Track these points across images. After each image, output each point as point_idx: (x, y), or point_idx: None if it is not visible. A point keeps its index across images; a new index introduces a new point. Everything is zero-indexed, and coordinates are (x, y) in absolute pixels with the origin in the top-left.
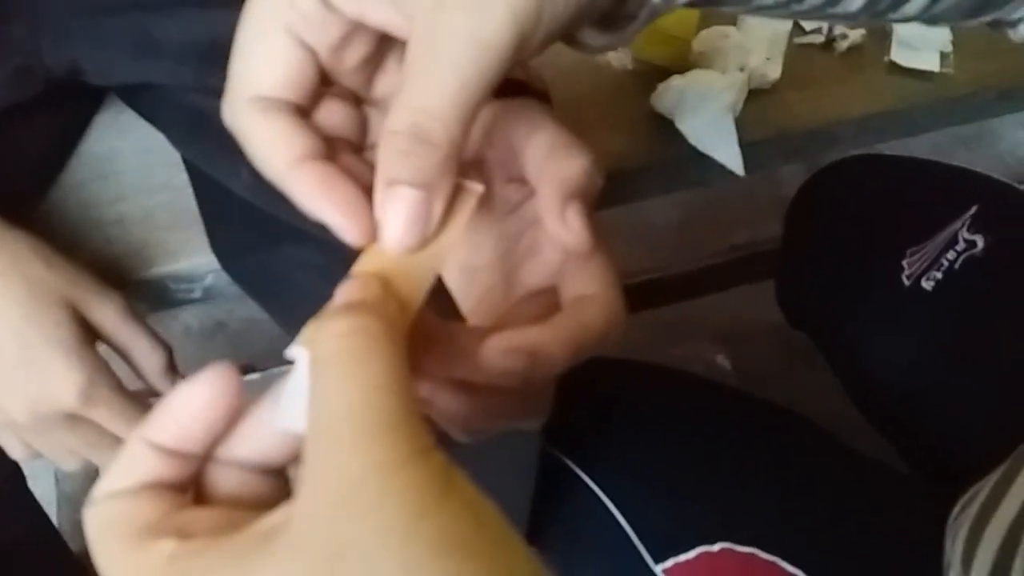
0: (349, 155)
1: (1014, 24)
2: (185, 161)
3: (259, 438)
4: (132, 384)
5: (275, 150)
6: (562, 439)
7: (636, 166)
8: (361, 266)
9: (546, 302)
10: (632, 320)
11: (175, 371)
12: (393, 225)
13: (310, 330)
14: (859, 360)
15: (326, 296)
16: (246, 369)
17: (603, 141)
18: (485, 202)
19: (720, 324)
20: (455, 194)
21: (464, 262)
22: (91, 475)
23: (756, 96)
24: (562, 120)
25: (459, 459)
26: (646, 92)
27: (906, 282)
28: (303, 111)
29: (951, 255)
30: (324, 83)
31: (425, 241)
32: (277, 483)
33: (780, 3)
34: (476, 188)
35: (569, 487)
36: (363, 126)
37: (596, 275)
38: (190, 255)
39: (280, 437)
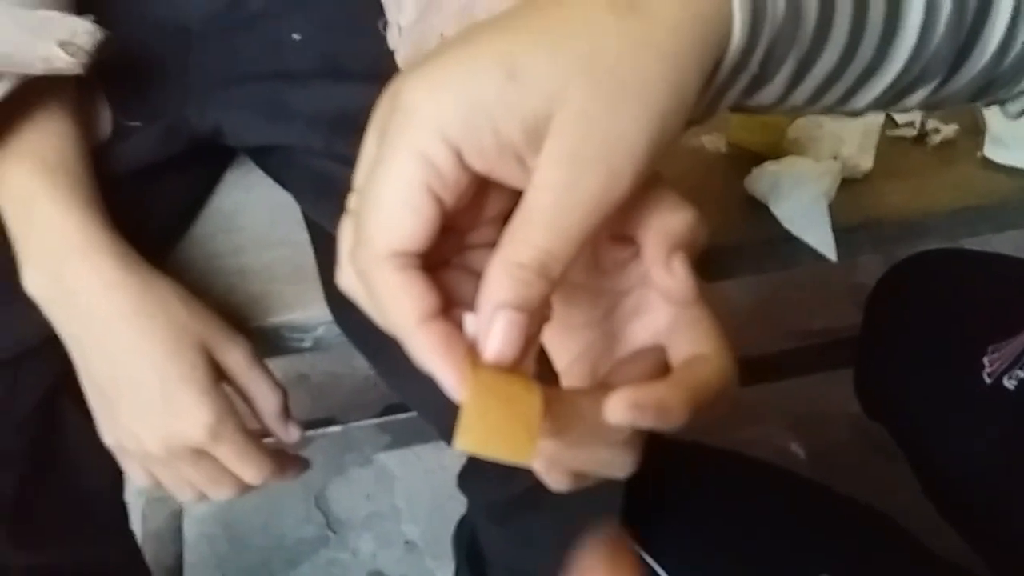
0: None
1: (1003, 103)
2: (306, 218)
3: None
4: (250, 424)
5: (403, 309)
6: (629, 520)
7: (728, 245)
8: (474, 386)
9: (653, 360)
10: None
11: (288, 414)
12: (497, 342)
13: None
14: (936, 456)
15: None
16: (326, 422)
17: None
18: (588, 260)
19: (795, 410)
20: None
21: (564, 320)
22: (175, 514)
23: (848, 185)
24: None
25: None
26: (739, 175)
27: (987, 380)
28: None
29: None
30: None
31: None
32: None
33: (806, 104)
34: None
35: None
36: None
37: (708, 334)
38: (305, 307)
39: None
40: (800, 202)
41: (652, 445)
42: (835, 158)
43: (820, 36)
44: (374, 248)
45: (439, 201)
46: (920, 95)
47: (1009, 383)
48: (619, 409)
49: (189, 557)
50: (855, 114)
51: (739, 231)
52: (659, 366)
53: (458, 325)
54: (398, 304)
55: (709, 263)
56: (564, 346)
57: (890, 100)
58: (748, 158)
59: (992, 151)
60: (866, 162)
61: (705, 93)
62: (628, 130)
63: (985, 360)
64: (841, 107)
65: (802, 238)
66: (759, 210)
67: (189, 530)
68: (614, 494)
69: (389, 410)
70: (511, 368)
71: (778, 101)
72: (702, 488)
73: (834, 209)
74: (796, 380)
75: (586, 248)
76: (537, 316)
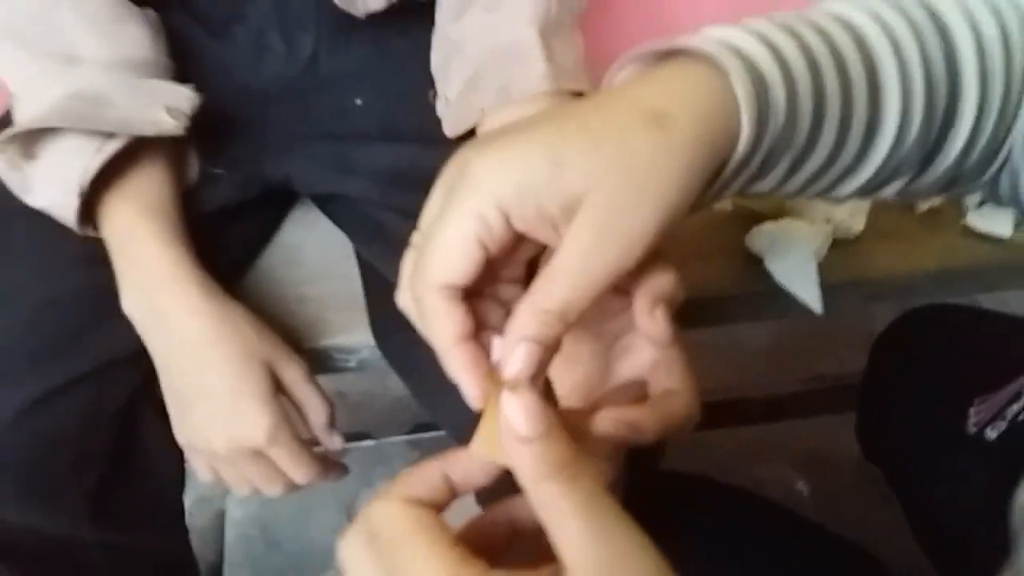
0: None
1: (965, 195)
2: (358, 256)
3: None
4: (302, 433)
5: (445, 330)
6: None
7: (728, 295)
8: (494, 401)
9: (636, 391)
10: (717, 436)
11: (334, 425)
12: (517, 367)
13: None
14: (923, 502)
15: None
16: (361, 436)
17: (702, 271)
18: (593, 308)
19: (803, 450)
20: None
21: (567, 354)
22: (218, 515)
23: (840, 245)
24: (669, 250)
25: None
26: (742, 232)
27: (971, 430)
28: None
29: (1016, 408)
30: None
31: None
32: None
33: (796, 192)
34: None
35: None
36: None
37: (681, 374)
38: (351, 332)
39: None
40: (792, 260)
41: (663, 474)
42: (828, 221)
43: (811, 141)
44: (429, 278)
45: (485, 250)
46: (894, 188)
47: (991, 433)
48: (605, 423)
49: (228, 555)
50: (839, 200)
51: (739, 283)
52: (640, 396)
53: (485, 346)
54: (441, 325)
55: (712, 310)
56: (566, 375)
57: (869, 191)
58: (751, 218)
59: (974, 220)
60: (858, 225)
61: (711, 188)
62: (644, 217)
63: (971, 411)
64: (826, 195)
65: (792, 292)
66: (758, 265)
67: (229, 531)
68: None
69: (419, 428)
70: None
71: (772, 191)
72: (700, 514)
73: (826, 267)
74: (806, 421)
75: (594, 302)
76: (551, 349)
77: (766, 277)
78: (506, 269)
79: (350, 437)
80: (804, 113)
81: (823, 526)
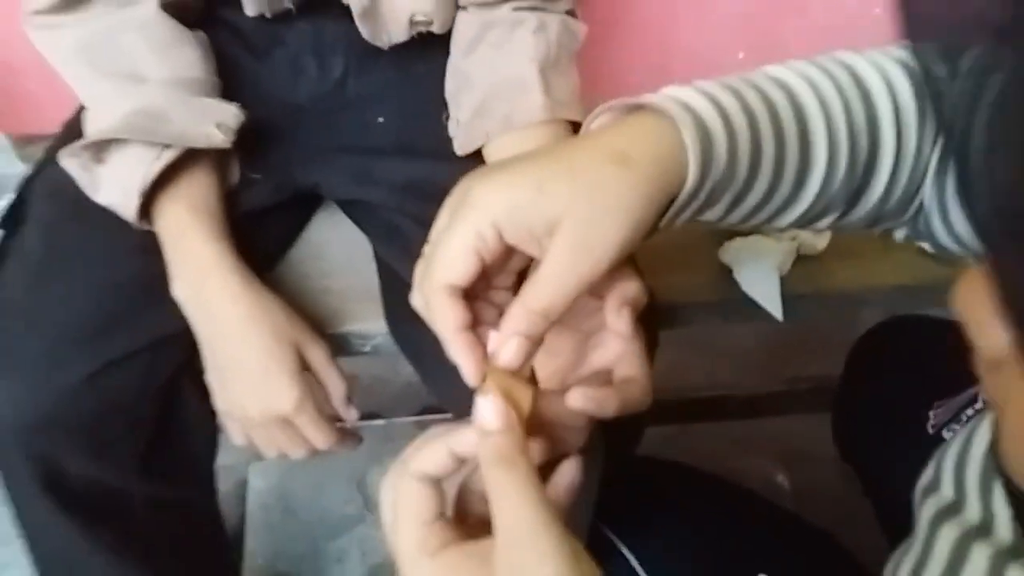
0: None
1: (891, 231)
2: (375, 254)
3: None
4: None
5: (448, 321)
6: (612, 518)
7: (702, 301)
8: (489, 381)
9: (604, 377)
10: (701, 430)
11: (351, 401)
12: (509, 355)
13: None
14: (887, 498)
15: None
16: (372, 416)
17: (680, 280)
18: (571, 308)
19: (785, 447)
20: None
21: (548, 347)
22: (240, 483)
23: (804, 260)
24: (651, 261)
25: None
26: (716, 246)
27: (930, 431)
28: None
29: (970, 411)
30: None
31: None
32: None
33: (740, 222)
34: None
35: (609, 557)
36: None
37: (639, 366)
38: (367, 320)
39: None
40: (757, 271)
41: (644, 460)
42: (794, 239)
43: (749, 181)
44: (435, 280)
45: (481, 259)
46: (826, 222)
47: (947, 434)
48: (576, 397)
49: (248, 520)
50: (781, 229)
51: (711, 291)
52: (606, 381)
53: (481, 337)
54: (444, 317)
55: (688, 313)
56: (548, 363)
57: (804, 223)
58: (725, 234)
59: None
60: (822, 243)
61: (665, 215)
62: (610, 235)
63: (931, 414)
64: (767, 225)
65: (755, 300)
66: (729, 275)
67: (251, 499)
68: (590, 493)
69: (426, 411)
70: (515, 372)
71: (719, 220)
72: (679, 497)
73: (790, 280)
74: (789, 419)
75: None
76: (536, 342)
77: (736, 286)
78: (499, 278)
79: (363, 417)
80: (742, 157)
81: (790, 511)
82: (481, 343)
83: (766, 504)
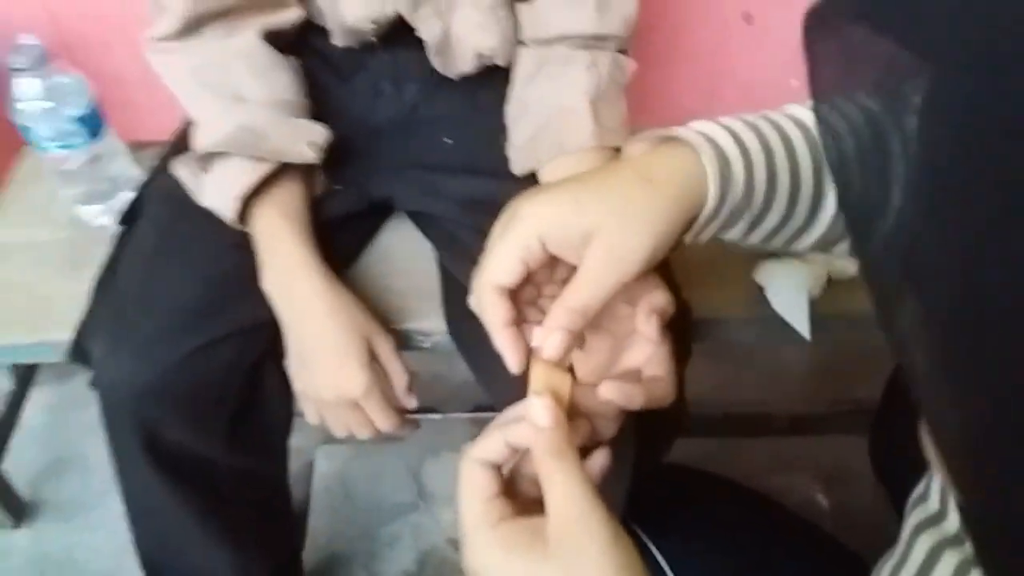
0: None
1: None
2: (438, 260)
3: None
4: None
5: (495, 316)
6: (645, 519)
7: (735, 317)
8: (535, 378)
9: (634, 376)
10: (744, 445)
11: (411, 391)
12: (552, 348)
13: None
14: None
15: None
16: (430, 410)
17: (715, 296)
18: (607, 313)
19: (827, 466)
20: None
21: (587, 347)
22: (307, 465)
23: (837, 285)
24: (689, 276)
25: None
26: (750, 266)
27: None
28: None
29: None
30: None
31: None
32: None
33: (760, 244)
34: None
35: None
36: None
37: (664, 366)
38: (428, 318)
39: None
40: (787, 292)
41: (680, 468)
42: (825, 262)
43: (766, 206)
44: (485, 280)
45: (526, 264)
46: (844, 247)
47: None
48: (608, 388)
49: (312, 500)
50: (799, 253)
51: (744, 308)
52: (636, 379)
53: (525, 333)
54: (493, 312)
55: (720, 329)
56: (586, 362)
57: (823, 247)
58: (762, 255)
59: None
60: (852, 268)
61: (689, 231)
62: (637, 244)
63: None
64: (789, 247)
65: (785, 319)
66: (761, 294)
67: (316, 481)
68: (621, 484)
69: (479, 408)
70: (555, 365)
71: (740, 240)
72: (713, 507)
73: (822, 302)
74: (831, 438)
75: (606, 304)
76: (575, 337)
77: (767, 304)
78: (548, 287)
79: (420, 410)
80: (758, 186)
81: (825, 531)
82: (524, 338)
83: (801, 521)
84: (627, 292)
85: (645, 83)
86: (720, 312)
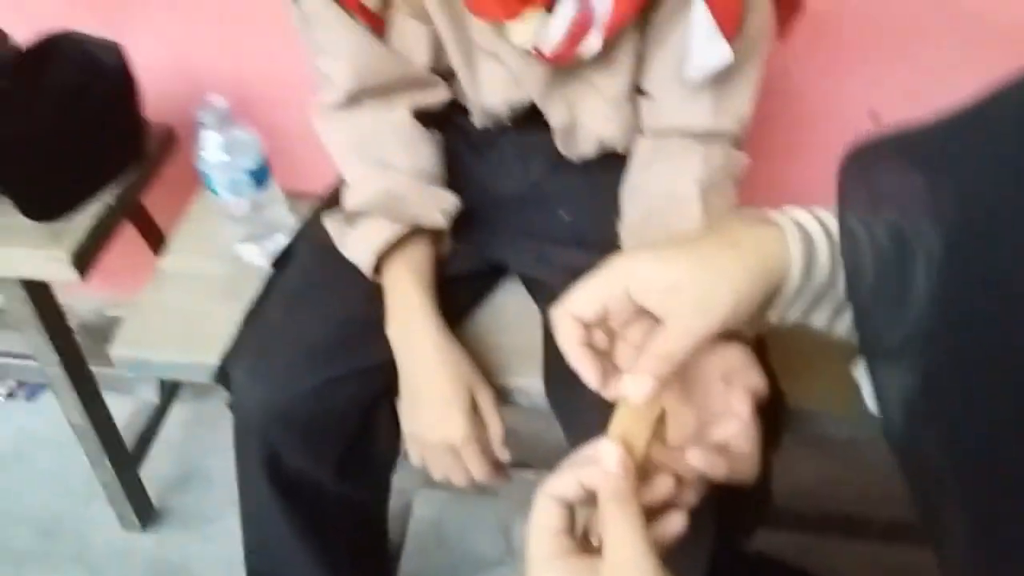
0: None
1: None
2: (543, 323)
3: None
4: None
5: (572, 336)
6: None
7: (832, 413)
8: (615, 422)
9: (720, 449)
10: (839, 547)
11: (505, 443)
12: (639, 392)
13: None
14: None
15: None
16: (524, 466)
17: (812, 388)
18: (701, 389)
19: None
20: None
21: (680, 419)
22: (406, 506)
23: None
24: (786, 365)
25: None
26: (849, 361)
27: None
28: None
29: None
30: None
31: (650, 401)
32: None
33: (847, 334)
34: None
35: None
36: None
37: (750, 444)
38: (528, 377)
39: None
40: None
41: (765, 558)
42: None
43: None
44: (564, 308)
45: (605, 306)
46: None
47: None
48: (695, 453)
49: (407, 540)
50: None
51: (839, 403)
52: (722, 451)
53: (601, 363)
54: (568, 335)
55: (812, 420)
56: (678, 431)
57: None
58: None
59: None
60: None
61: (773, 307)
62: (722, 299)
63: None
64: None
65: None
66: (858, 390)
67: (412, 522)
68: (697, 561)
69: None
70: (641, 416)
71: (825, 329)
72: None
73: None
74: (921, 550)
75: (691, 355)
76: (661, 383)
77: (864, 402)
78: (618, 343)
79: (514, 465)
80: (840, 271)
81: None
82: (597, 358)
83: None
84: (724, 370)
85: (771, 171)
86: (816, 404)
